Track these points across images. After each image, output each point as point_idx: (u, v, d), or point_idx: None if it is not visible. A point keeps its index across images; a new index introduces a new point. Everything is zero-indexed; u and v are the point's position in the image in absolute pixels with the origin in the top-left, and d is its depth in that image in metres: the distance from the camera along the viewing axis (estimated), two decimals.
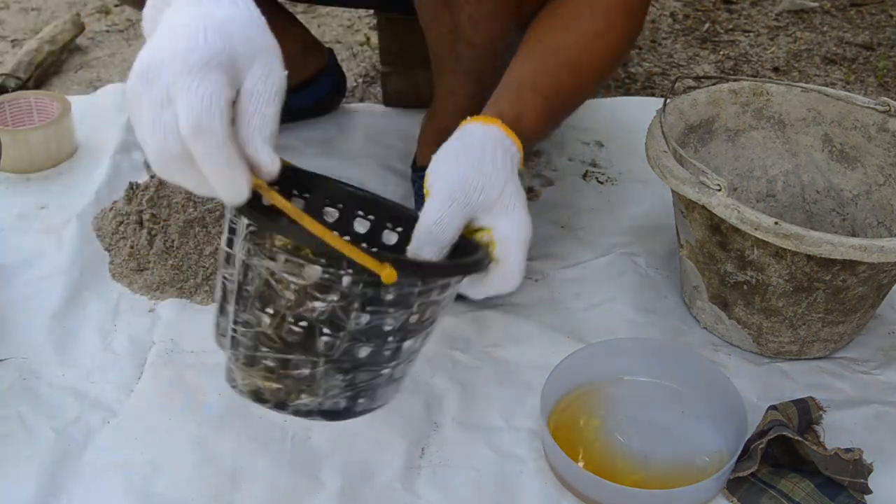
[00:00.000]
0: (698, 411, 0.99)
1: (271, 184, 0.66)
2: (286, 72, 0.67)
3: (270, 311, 0.69)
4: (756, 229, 0.93)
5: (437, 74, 1.19)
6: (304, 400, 0.72)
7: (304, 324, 0.69)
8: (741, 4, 2.02)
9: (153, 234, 1.18)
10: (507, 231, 0.80)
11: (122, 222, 1.22)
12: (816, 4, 2.00)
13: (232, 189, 0.64)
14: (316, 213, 0.84)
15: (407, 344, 0.74)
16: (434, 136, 1.28)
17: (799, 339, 1.06)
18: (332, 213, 0.85)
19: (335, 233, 0.66)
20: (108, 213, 1.25)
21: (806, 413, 0.97)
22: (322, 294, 0.67)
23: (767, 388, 1.04)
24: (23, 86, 1.61)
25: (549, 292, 1.17)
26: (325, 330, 0.69)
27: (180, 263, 1.16)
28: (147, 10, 0.70)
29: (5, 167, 1.34)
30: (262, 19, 0.68)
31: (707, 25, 1.93)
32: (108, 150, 1.40)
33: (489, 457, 0.96)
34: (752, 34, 1.90)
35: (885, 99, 1.12)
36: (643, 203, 1.34)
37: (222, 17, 0.65)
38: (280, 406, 0.73)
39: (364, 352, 0.71)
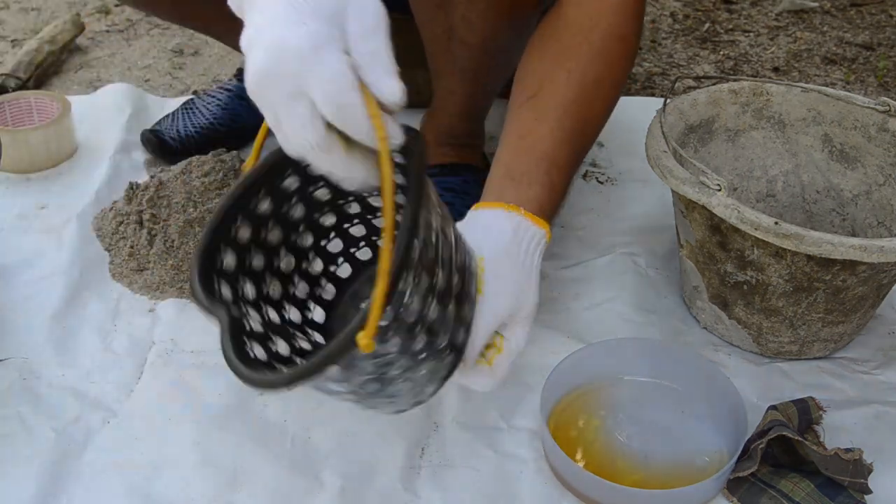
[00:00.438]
0: (698, 411, 0.99)
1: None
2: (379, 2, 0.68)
3: (345, 394, 0.75)
4: (756, 229, 0.93)
5: (435, 75, 1.19)
6: (430, 388, 0.78)
7: (371, 381, 0.73)
8: (741, 4, 2.02)
9: (153, 234, 1.18)
10: (515, 344, 0.84)
11: (122, 222, 1.22)
12: (816, 4, 2.00)
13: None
14: None
15: (443, 275, 0.74)
16: (434, 136, 1.28)
17: (799, 339, 1.06)
18: None
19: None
20: (108, 213, 1.25)
21: (806, 413, 0.97)
22: (353, 369, 0.71)
23: (767, 388, 1.04)
24: (23, 86, 1.61)
25: (549, 292, 1.17)
26: (385, 370, 0.72)
27: (180, 263, 1.16)
28: None
29: (5, 167, 1.34)
30: None
31: (707, 25, 1.93)
32: (108, 150, 1.40)
33: (489, 457, 0.96)
34: (752, 34, 1.90)
35: (885, 99, 1.12)
36: (643, 203, 1.34)
37: None
38: (419, 404, 0.80)
39: (421, 341, 0.72)
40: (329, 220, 0.89)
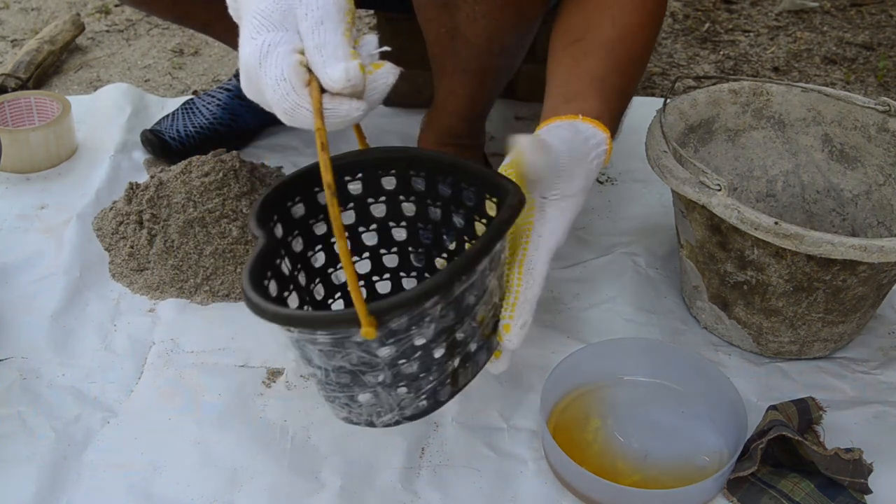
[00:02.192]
0: (698, 411, 1.00)
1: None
2: None
3: (315, 367, 0.74)
4: (756, 229, 0.93)
5: (437, 75, 1.19)
6: (386, 417, 0.76)
7: (345, 372, 0.72)
8: (741, 4, 2.02)
9: (153, 234, 1.18)
10: (544, 231, 0.84)
11: (122, 222, 1.22)
12: (816, 4, 2.00)
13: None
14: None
15: (463, 329, 0.74)
16: (434, 136, 1.28)
17: (799, 339, 1.06)
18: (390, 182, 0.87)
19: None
20: (108, 213, 1.25)
21: (806, 413, 0.97)
22: (340, 348, 0.70)
23: (767, 388, 1.04)
24: (23, 86, 1.61)
25: (549, 292, 1.17)
26: (364, 370, 0.72)
27: (180, 263, 1.16)
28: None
29: (5, 167, 1.35)
30: None
31: (707, 25, 1.93)
32: (108, 150, 1.40)
33: (489, 457, 0.96)
34: (752, 34, 1.90)
35: (885, 99, 1.12)
36: (643, 203, 1.34)
37: None
38: (370, 424, 0.77)
39: (413, 366, 0.73)
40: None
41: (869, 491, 0.90)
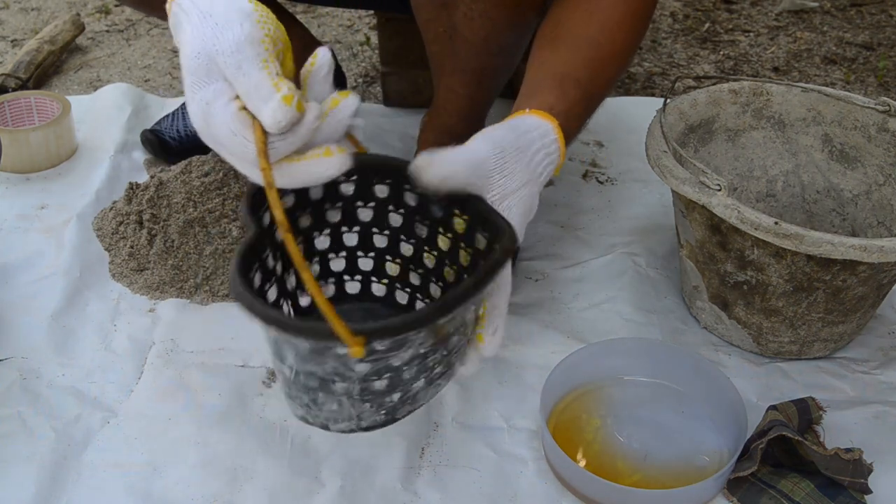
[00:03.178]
0: (698, 411, 1.00)
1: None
2: (260, 22, 0.71)
3: (287, 366, 0.73)
4: (756, 229, 0.93)
5: (436, 74, 1.19)
6: (342, 425, 0.76)
7: (315, 377, 0.72)
8: (741, 4, 2.02)
9: (153, 234, 1.18)
10: None
11: (122, 222, 1.22)
12: (816, 4, 2.00)
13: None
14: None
15: (436, 356, 0.74)
16: (434, 136, 1.28)
17: (799, 339, 1.06)
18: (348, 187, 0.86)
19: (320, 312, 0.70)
20: (108, 213, 1.25)
21: (806, 413, 0.97)
22: (318, 357, 0.70)
23: (767, 388, 1.04)
24: (23, 86, 1.61)
25: (549, 292, 1.17)
26: (336, 379, 0.72)
27: (180, 263, 1.16)
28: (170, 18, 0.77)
29: (5, 167, 1.34)
30: None
31: (707, 25, 1.93)
32: (108, 150, 1.40)
33: (489, 457, 0.96)
34: (752, 34, 1.90)
35: (885, 99, 1.12)
36: (643, 203, 1.34)
37: (205, 19, 0.72)
38: (324, 427, 0.77)
39: (381, 384, 0.73)
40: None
41: (869, 491, 0.90)
